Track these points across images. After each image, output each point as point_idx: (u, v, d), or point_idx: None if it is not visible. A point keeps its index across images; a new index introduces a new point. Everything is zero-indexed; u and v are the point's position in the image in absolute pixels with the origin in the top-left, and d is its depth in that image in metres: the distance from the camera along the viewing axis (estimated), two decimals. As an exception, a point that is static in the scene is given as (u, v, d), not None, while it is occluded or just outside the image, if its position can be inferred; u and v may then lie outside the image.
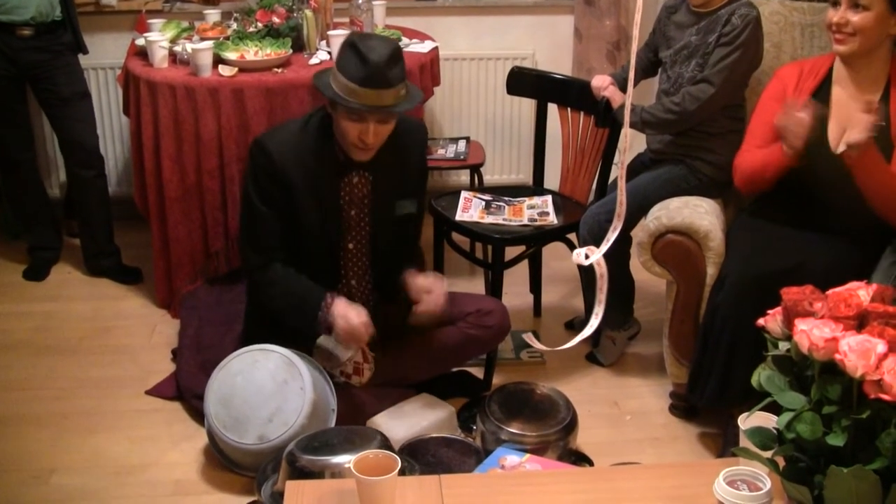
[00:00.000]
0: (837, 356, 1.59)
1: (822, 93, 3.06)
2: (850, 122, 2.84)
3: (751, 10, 3.18)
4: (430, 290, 3.05)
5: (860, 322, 1.66)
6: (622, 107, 3.35)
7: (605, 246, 1.84)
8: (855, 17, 2.87)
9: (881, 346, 1.57)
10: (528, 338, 2.22)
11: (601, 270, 1.88)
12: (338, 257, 3.10)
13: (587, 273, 3.41)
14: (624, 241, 3.42)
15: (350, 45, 2.84)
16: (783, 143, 2.92)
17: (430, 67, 4.09)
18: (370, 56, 2.78)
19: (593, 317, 1.90)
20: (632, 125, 3.32)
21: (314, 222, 3.00)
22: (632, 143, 4.36)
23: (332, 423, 2.91)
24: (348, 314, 2.91)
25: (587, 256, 1.86)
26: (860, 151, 2.76)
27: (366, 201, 3.06)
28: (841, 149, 2.84)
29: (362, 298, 3.18)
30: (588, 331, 1.93)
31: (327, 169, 2.98)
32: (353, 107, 2.80)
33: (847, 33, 2.89)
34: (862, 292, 1.71)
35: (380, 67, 2.77)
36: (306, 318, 2.96)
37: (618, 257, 3.44)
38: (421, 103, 3.36)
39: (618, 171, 3.56)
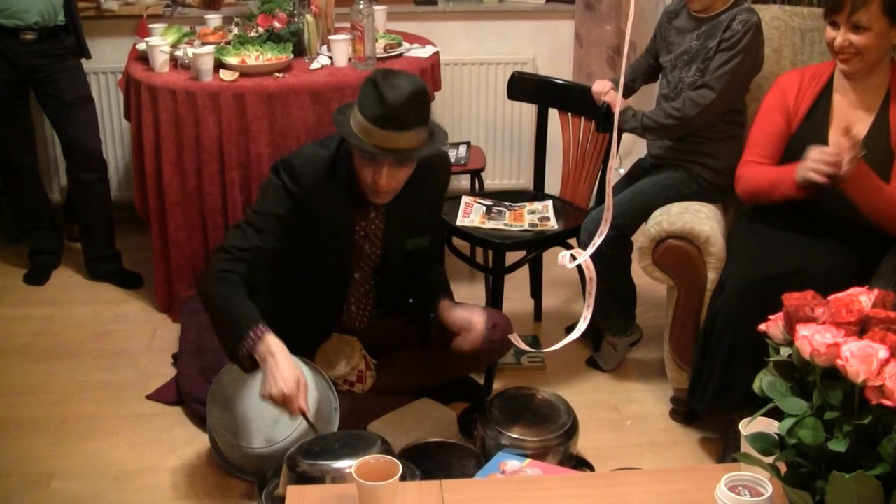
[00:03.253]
0: (839, 362, 1.59)
1: (823, 100, 3.06)
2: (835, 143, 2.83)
3: (752, 15, 3.18)
4: (470, 327, 2.97)
5: (862, 328, 1.66)
6: (622, 111, 3.35)
7: (590, 249, 1.84)
8: (856, 38, 2.87)
9: (883, 352, 1.57)
10: (514, 338, 2.22)
11: (591, 275, 1.88)
12: (343, 284, 3.08)
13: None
14: (625, 246, 3.42)
15: (371, 82, 2.71)
16: (799, 174, 2.89)
17: (431, 72, 4.10)
18: (388, 95, 2.65)
19: (581, 320, 1.90)
20: (632, 130, 3.33)
21: (325, 252, 2.96)
22: (632, 147, 4.39)
23: (336, 422, 2.90)
24: (287, 386, 2.62)
25: (573, 259, 1.86)
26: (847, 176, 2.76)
27: (379, 235, 3.03)
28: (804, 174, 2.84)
29: (361, 319, 3.17)
30: (576, 334, 1.93)
31: (347, 202, 2.91)
32: (363, 148, 2.71)
33: (851, 53, 2.90)
34: (863, 298, 1.71)
35: (396, 108, 2.65)
36: (231, 334, 2.73)
37: (619, 263, 3.44)
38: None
39: (618, 176, 3.59)
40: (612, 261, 3.35)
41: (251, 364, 2.72)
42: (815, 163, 2.79)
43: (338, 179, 2.88)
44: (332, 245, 2.96)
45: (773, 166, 3.09)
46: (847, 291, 1.75)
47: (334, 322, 3.13)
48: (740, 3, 3.24)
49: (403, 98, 2.66)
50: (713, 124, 3.29)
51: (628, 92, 3.62)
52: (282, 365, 2.65)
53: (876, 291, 1.74)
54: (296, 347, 2.84)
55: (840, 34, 2.89)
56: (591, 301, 1.90)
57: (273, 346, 2.67)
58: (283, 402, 2.65)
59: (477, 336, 2.96)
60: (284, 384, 2.62)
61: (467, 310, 3.02)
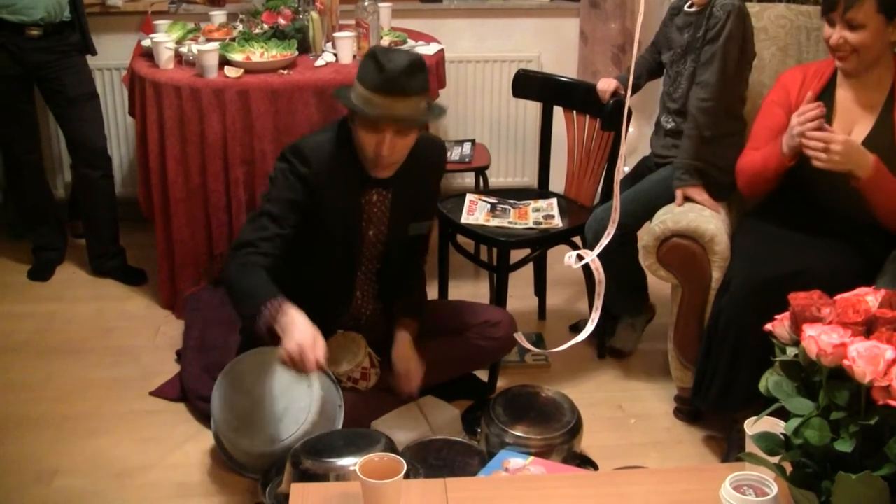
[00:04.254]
0: (846, 362, 1.59)
1: (826, 96, 3.05)
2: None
3: (732, 0, 3.17)
4: (406, 373, 3.03)
5: (868, 328, 1.66)
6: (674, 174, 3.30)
7: (597, 249, 1.84)
8: (852, 36, 2.87)
9: (890, 353, 1.57)
10: (519, 337, 2.22)
11: (599, 276, 1.88)
12: (351, 272, 3.07)
13: (592, 276, 3.41)
14: (629, 244, 3.41)
15: (370, 56, 2.78)
16: (784, 143, 2.91)
17: (436, 70, 4.10)
18: (387, 64, 2.72)
19: (589, 322, 1.90)
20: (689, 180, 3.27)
21: (336, 238, 2.96)
22: (637, 146, 4.38)
23: (341, 420, 2.89)
24: (304, 339, 2.60)
25: (580, 259, 1.86)
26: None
27: (384, 220, 3.03)
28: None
29: (366, 309, 3.17)
30: (584, 334, 1.93)
31: (352, 185, 2.92)
32: (366, 114, 2.74)
33: (847, 51, 2.90)
34: (870, 298, 1.70)
35: (395, 74, 2.71)
36: (250, 304, 2.72)
37: (623, 258, 3.44)
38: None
39: (622, 175, 3.59)
40: (616, 257, 3.34)
41: (270, 337, 2.71)
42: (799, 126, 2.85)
43: (342, 160, 2.89)
44: (341, 230, 2.95)
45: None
46: (854, 291, 1.74)
47: (343, 314, 3.12)
48: None
49: (402, 66, 2.72)
50: (715, 123, 3.27)
51: (634, 89, 3.61)
52: (299, 323, 2.62)
53: (883, 291, 1.73)
54: None
55: (836, 32, 2.89)
56: (598, 303, 1.89)
57: (292, 312, 2.65)
58: (300, 357, 2.58)
59: (409, 390, 3.04)
60: (302, 337, 2.59)
61: (407, 357, 3.04)
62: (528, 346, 2.15)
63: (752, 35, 3.27)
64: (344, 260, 3.03)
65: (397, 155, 2.84)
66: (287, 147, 2.94)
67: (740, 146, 3.23)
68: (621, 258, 3.42)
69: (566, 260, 1.90)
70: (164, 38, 3.86)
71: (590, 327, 1.89)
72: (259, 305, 2.67)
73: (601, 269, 1.87)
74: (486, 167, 4.34)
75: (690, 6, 3.30)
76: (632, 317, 3.69)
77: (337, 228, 2.95)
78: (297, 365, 2.61)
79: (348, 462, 2.43)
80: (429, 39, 4.29)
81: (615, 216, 1.87)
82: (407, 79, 2.73)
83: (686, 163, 3.24)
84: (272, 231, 2.84)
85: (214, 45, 3.79)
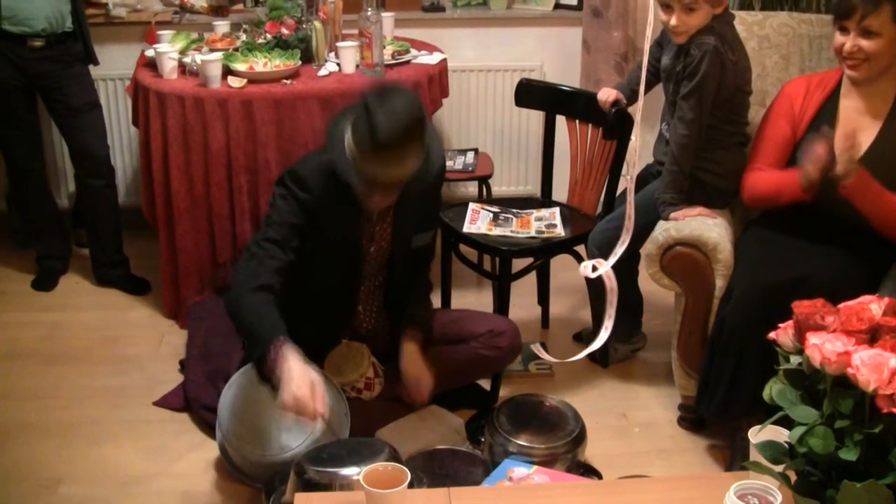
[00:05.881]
0: (850, 370, 1.59)
1: (829, 106, 3.06)
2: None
3: (708, 38, 3.11)
4: (417, 382, 3.02)
5: (872, 336, 1.66)
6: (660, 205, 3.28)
7: (612, 258, 1.84)
8: (867, 44, 2.87)
9: (894, 360, 1.57)
10: (536, 348, 2.22)
11: (611, 284, 1.88)
12: (353, 288, 3.08)
13: (595, 285, 3.40)
14: (632, 256, 3.41)
15: (364, 108, 2.66)
16: (802, 175, 2.89)
17: (439, 79, 4.10)
18: (380, 130, 2.61)
19: (603, 330, 1.89)
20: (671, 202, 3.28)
21: (334, 256, 2.96)
22: (640, 153, 4.37)
23: (347, 429, 2.89)
24: (301, 387, 2.58)
25: (594, 269, 1.86)
26: (847, 180, 2.78)
27: (386, 237, 3.03)
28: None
29: (367, 323, 3.17)
30: (596, 344, 1.93)
31: (352, 206, 2.91)
32: (351, 180, 2.74)
33: (860, 59, 2.89)
34: (874, 306, 1.70)
35: (389, 141, 2.62)
36: (256, 345, 2.75)
37: (626, 273, 3.43)
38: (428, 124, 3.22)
39: (626, 183, 3.58)
40: (619, 271, 3.33)
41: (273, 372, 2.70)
42: (808, 160, 2.82)
43: (340, 184, 2.87)
44: (341, 249, 2.96)
45: (777, 170, 3.09)
46: (858, 299, 1.75)
47: (344, 327, 3.13)
48: (713, 23, 3.19)
49: (397, 132, 2.64)
50: (715, 132, 3.26)
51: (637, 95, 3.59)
52: (294, 371, 2.60)
53: (886, 299, 1.73)
54: (305, 355, 2.82)
55: (850, 39, 2.89)
56: (612, 311, 1.89)
57: (287, 354, 2.64)
58: (299, 408, 2.60)
59: (421, 399, 3.05)
60: (297, 388, 2.57)
61: (416, 367, 3.03)
62: (547, 357, 2.14)
63: (737, 63, 3.18)
64: (345, 277, 3.03)
65: (389, 201, 2.87)
66: (285, 172, 2.93)
67: (741, 154, 3.23)
68: (621, 276, 3.40)
69: (581, 269, 1.90)
70: (168, 48, 3.87)
71: (603, 335, 1.89)
72: (263, 350, 2.68)
73: (613, 278, 1.87)
74: (489, 176, 4.34)
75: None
76: (617, 340, 3.70)
77: (338, 249, 2.96)
78: (299, 413, 2.62)
79: (352, 471, 2.42)
80: (431, 49, 4.30)
81: (629, 224, 1.86)
82: (401, 146, 2.67)
83: (667, 196, 3.24)
84: (280, 259, 2.84)
85: (218, 54, 3.80)
